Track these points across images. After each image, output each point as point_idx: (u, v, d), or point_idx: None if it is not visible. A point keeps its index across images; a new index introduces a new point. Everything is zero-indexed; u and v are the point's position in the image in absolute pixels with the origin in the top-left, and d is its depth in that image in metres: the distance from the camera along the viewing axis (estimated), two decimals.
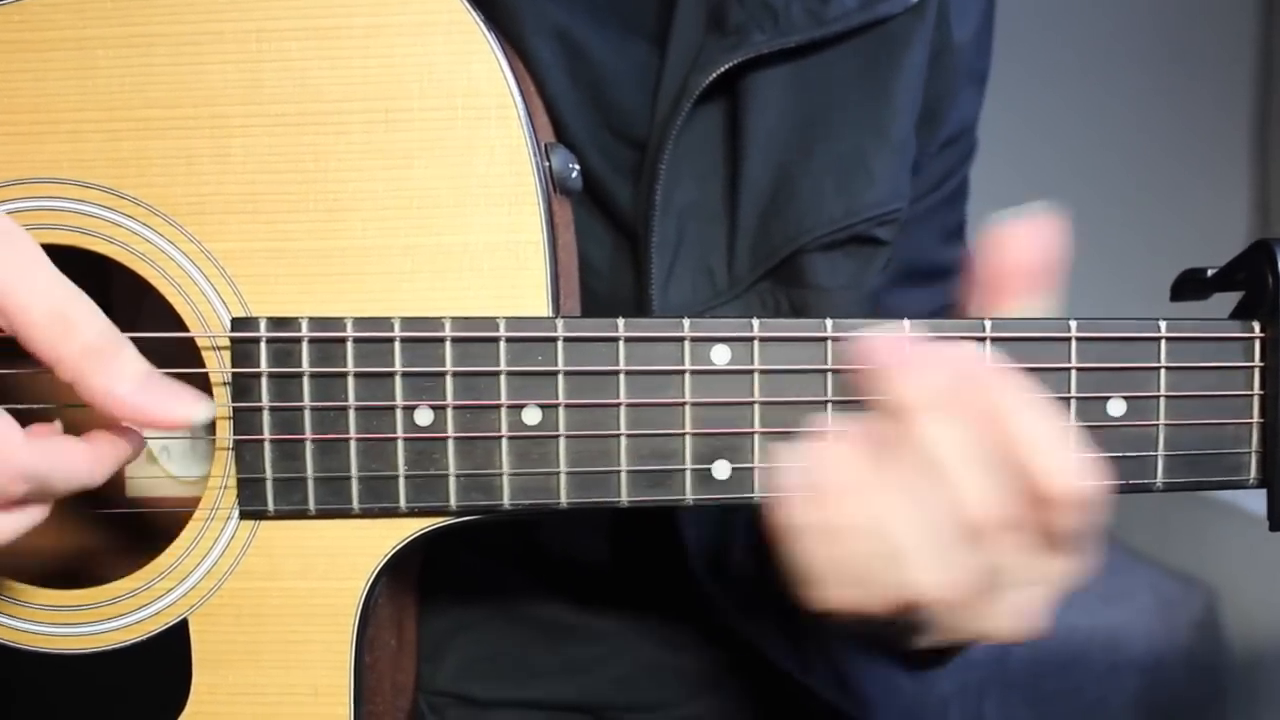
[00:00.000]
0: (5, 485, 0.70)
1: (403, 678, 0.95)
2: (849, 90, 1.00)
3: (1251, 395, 0.79)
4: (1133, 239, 2.82)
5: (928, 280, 1.16)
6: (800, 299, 1.00)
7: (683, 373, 0.78)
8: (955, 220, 1.19)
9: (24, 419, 0.72)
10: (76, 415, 0.86)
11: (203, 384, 0.78)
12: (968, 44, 1.07)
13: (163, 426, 0.73)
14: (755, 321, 0.77)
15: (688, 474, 0.79)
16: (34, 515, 0.73)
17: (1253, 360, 0.79)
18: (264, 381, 0.78)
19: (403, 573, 0.91)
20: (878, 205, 1.00)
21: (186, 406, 0.73)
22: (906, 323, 0.77)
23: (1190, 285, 0.84)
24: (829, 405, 0.78)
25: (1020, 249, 0.77)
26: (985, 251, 0.78)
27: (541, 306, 0.79)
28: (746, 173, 0.98)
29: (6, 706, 0.82)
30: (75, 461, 0.72)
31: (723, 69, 0.94)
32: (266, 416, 0.78)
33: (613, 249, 0.99)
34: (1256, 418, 0.79)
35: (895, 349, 0.73)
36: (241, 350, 0.78)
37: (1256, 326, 0.79)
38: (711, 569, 1.04)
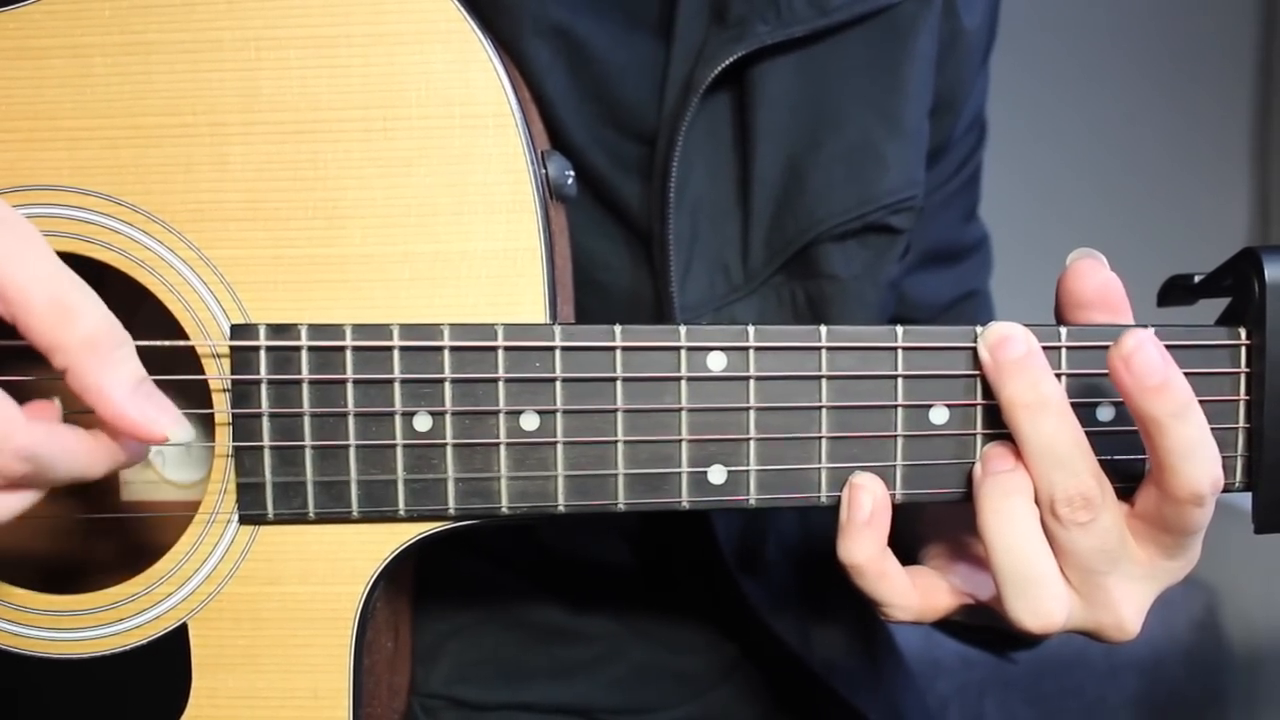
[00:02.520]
0: (3, 464, 0.69)
1: (399, 680, 0.96)
2: (857, 79, 1.00)
3: (1237, 400, 0.80)
4: (1132, 239, 2.81)
5: (951, 260, 1.18)
6: (816, 290, 1.00)
7: (679, 379, 0.78)
8: (973, 200, 1.20)
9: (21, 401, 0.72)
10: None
11: (202, 390, 0.79)
12: (978, 30, 1.07)
13: (138, 437, 0.72)
14: (750, 329, 0.78)
15: (684, 478, 0.80)
16: (26, 500, 0.72)
17: (1239, 366, 0.79)
18: (263, 388, 0.78)
19: (399, 576, 0.92)
20: (891, 193, 1.00)
21: (168, 424, 0.72)
22: (899, 329, 0.78)
23: (1176, 291, 0.84)
24: (823, 411, 0.79)
25: (1094, 277, 0.80)
26: (1068, 278, 0.81)
27: (539, 314, 0.80)
28: (757, 165, 0.98)
29: (7, 711, 0.82)
30: (75, 448, 0.72)
31: (726, 63, 0.94)
32: (266, 423, 0.78)
33: (624, 245, 1.00)
34: (1242, 423, 0.80)
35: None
36: (241, 357, 0.78)
37: (1242, 333, 0.79)
38: (744, 565, 1.04)
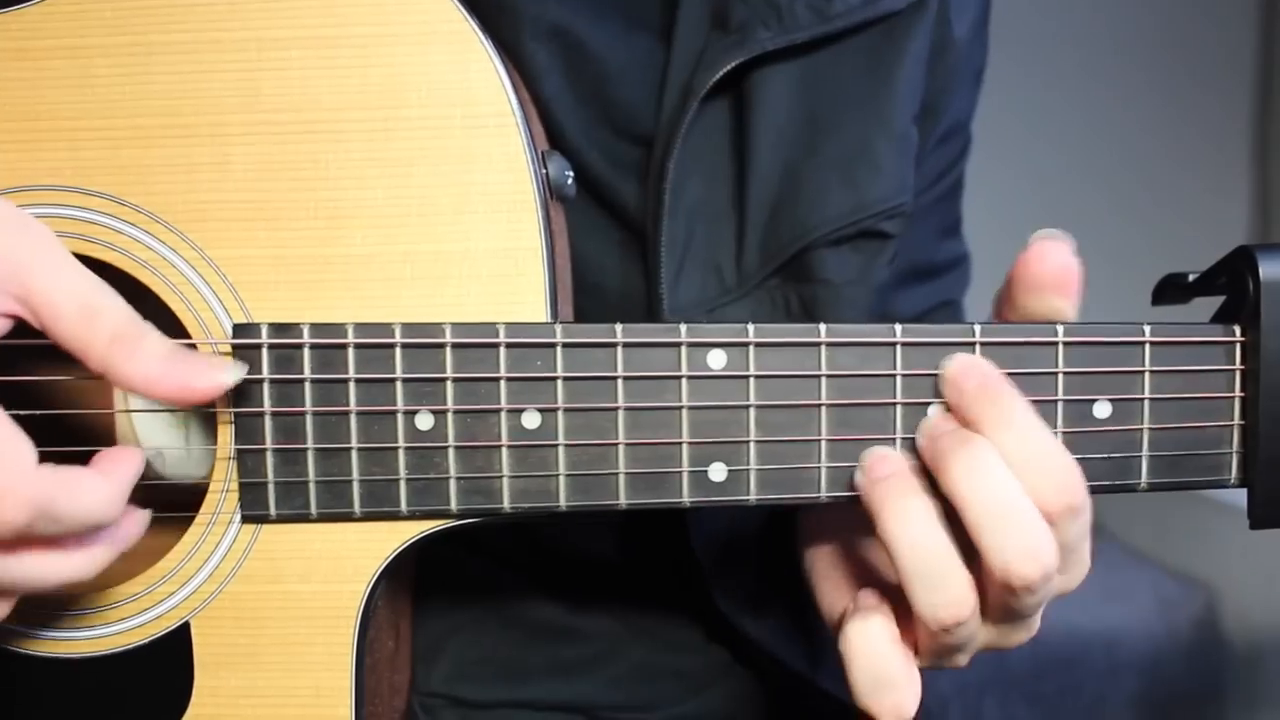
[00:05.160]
0: (5, 512, 0.68)
1: (399, 679, 0.96)
2: (854, 86, 1.00)
3: (1233, 398, 0.80)
4: (1132, 239, 2.83)
5: (926, 277, 1.17)
6: (809, 294, 1.00)
7: (680, 378, 0.79)
8: (952, 217, 1.19)
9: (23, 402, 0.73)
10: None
11: None
12: (966, 39, 1.07)
13: (197, 398, 0.73)
14: (750, 327, 0.78)
15: (685, 476, 0.80)
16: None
17: (1234, 364, 0.80)
18: (265, 387, 0.78)
19: (400, 575, 0.92)
20: (884, 199, 1.00)
21: (220, 372, 0.74)
22: (898, 327, 0.78)
23: (1171, 289, 0.85)
24: (822, 409, 0.79)
25: (1054, 259, 0.79)
26: (1027, 259, 0.80)
27: (540, 313, 0.80)
28: (754, 170, 0.98)
29: (8, 710, 0.83)
30: (88, 491, 0.71)
31: (728, 68, 0.94)
32: (268, 422, 0.79)
33: (619, 247, 1.00)
34: (1237, 419, 0.80)
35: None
36: (243, 357, 0.78)
37: (1237, 330, 0.80)
38: (719, 568, 1.05)
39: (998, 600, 0.76)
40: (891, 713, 0.78)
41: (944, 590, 0.75)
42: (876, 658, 0.78)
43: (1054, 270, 0.79)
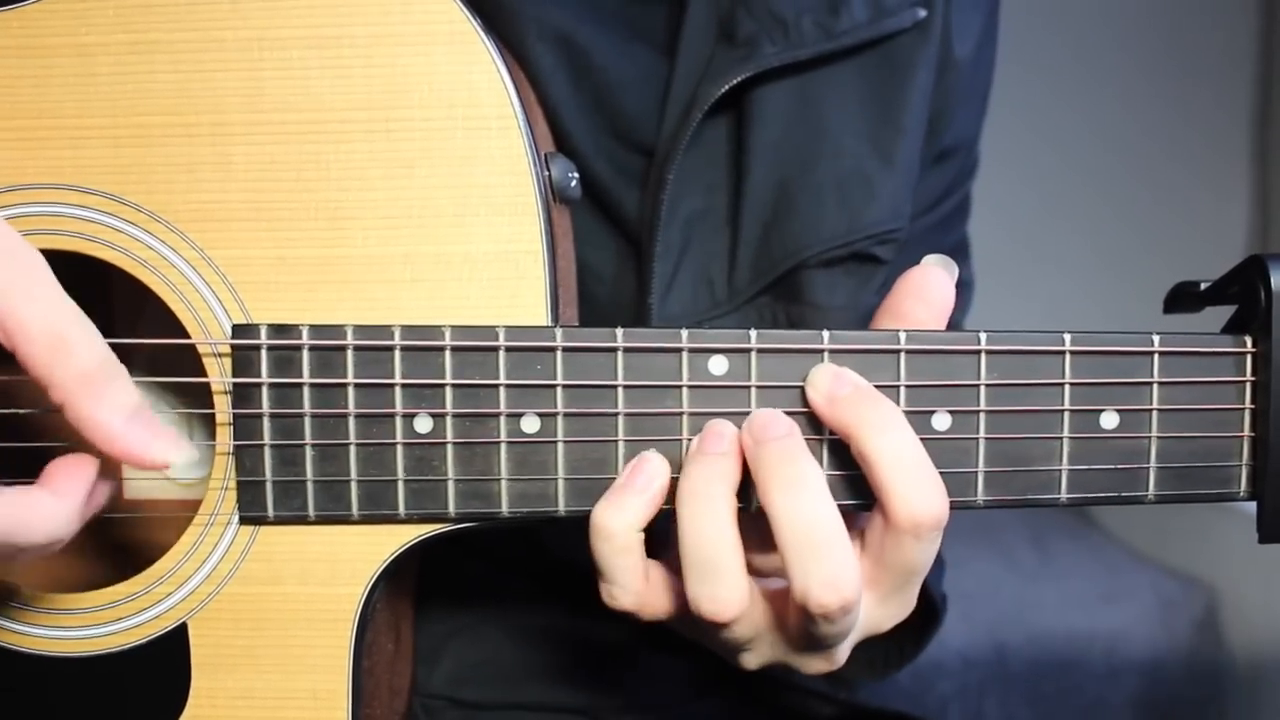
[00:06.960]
0: None
1: (399, 681, 0.96)
2: (854, 108, 1.00)
3: (1243, 409, 0.79)
4: (1132, 239, 2.83)
5: None
6: (798, 315, 1.00)
7: (680, 385, 0.78)
8: (956, 239, 1.19)
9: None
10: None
11: (203, 390, 0.79)
12: (967, 60, 1.07)
13: (141, 465, 0.72)
14: (753, 333, 0.78)
15: None
16: None
17: (1244, 375, 0.79)
18: (264, 389, 0.78)
19: (400, 577, 0.92)
20: (878, 224, 1.00)
21: (167, 449, 0.73)
22: (902, 334, 0.78)
23: (1183, 298, 0.84)
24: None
25: (941, 286, 0.82)
26: (915, 275, 0.82)
27: (541, 316, 0.80)
28: (749, 185, 0.98)
29: (6, 709, 0.82)
30: (42, 517, 0.72)
31: (735, 81, 0.94)
32: (267, 423, 0.78)
33: (616, 255, 1.00)
34: (1247, 431, 0.80)
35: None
36: (242, 357, 0.78)
37: (1248, 341, 0.79)
38: None
39: (796, 623, 0.76)
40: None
41: (713, 585, 0.75)
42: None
43: (939, 295, 0.81)
